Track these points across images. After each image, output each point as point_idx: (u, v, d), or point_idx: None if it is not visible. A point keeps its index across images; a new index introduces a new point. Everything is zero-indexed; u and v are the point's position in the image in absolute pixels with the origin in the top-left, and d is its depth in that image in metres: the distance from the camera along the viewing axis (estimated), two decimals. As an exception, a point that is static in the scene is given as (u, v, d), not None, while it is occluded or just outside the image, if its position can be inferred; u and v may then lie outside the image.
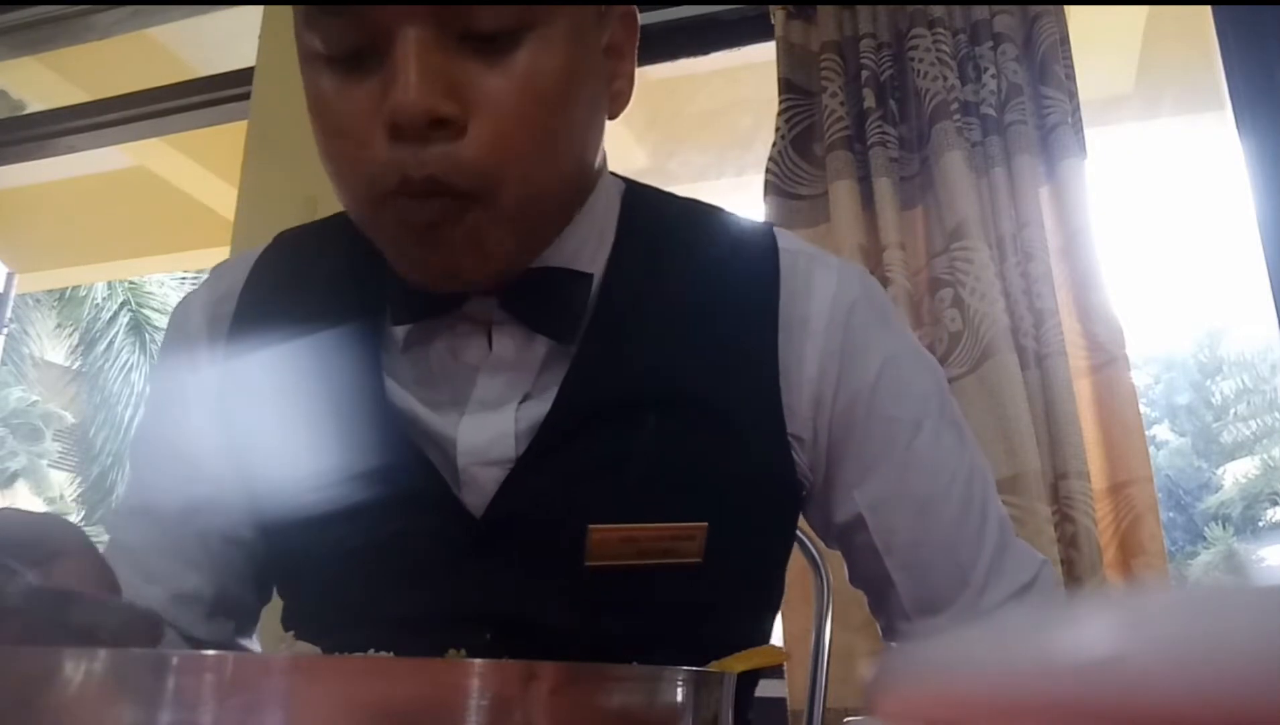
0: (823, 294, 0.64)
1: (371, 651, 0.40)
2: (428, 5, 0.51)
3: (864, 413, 0.63)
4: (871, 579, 0.67)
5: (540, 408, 0.60)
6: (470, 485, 0.60)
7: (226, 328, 0.67)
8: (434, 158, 0.51)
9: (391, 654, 0.37)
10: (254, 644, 0.74)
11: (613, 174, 0.68)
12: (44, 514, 0.49)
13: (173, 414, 0.69)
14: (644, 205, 0.67)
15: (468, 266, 0.55)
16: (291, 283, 0.68)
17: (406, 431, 0.61)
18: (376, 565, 0.62)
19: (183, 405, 0.68)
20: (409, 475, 0.60)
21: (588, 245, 0.63)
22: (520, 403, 0.61)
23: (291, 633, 0.70)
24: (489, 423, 0.60)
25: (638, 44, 0.63)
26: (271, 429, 0.64)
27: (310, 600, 0.68)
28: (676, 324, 0.62)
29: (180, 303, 0.72)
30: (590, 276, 0.61)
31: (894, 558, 0.64)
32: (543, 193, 0.56)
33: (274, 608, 0.76)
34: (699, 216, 0.68)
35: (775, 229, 0.68)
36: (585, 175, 0.61)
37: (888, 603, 0.67)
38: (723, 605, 0.64)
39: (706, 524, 0.59)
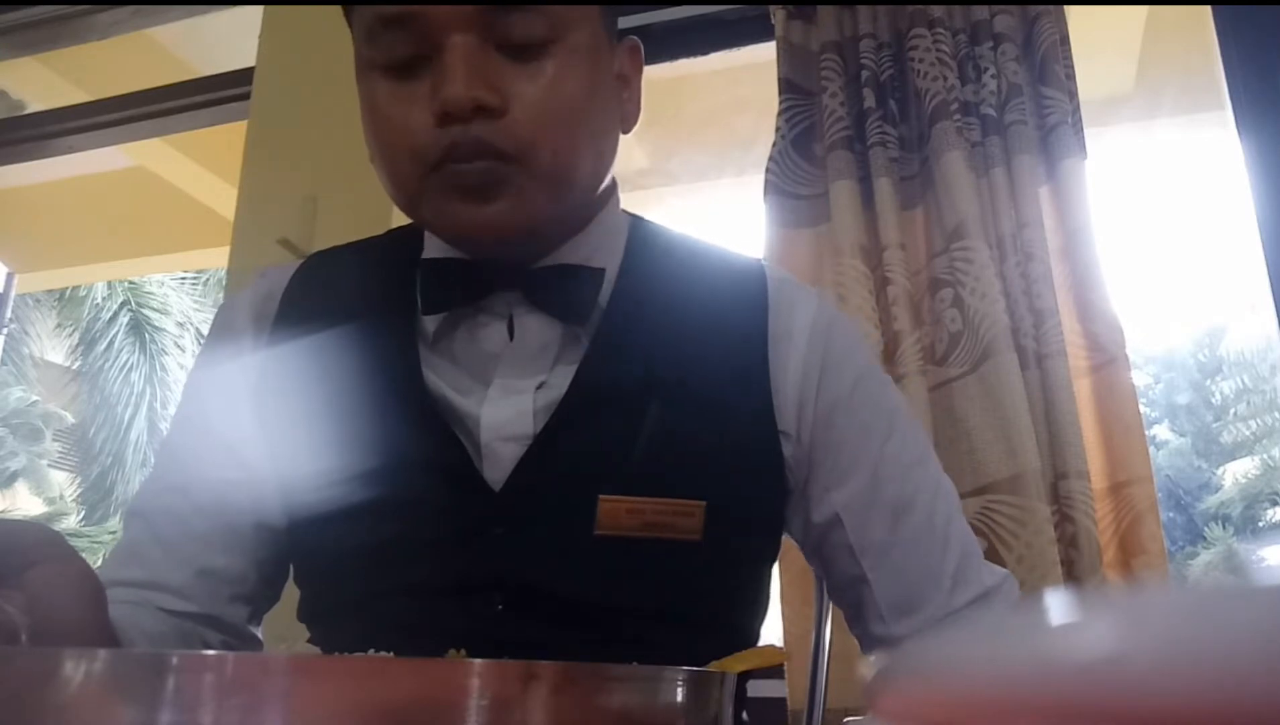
0: (805, 313, 0.72)
1: (371, 651, 0.40)
2: (472, 17, 0.60)
3: (842, 419, 0.70)
4: (848, 582, 0.72)
5: (556, 391, 0.67)
6: (491, 459, 0.66)
7: (270, 326, 0.73)
8: (479, 129, 0.61)
9: (392, 654, 0.37)
10: (260, 634, 0.75)
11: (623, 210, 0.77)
12: (20, 521, 0.49)
13: (215, 401, 0.73)
14: (650, 229, 0.76)
15: (510, 221, 0.63)
16: (331, 286, 0.75)
17: (437, 411, 0.67)
18: (401, 539, 0.66)
19: (225, 394, 0.72)
20: (439, 451, 0.66)
21: (600, 251, 0.71)
22: (538, 387, 0.67)
23: (294, 631, 0.71)
24: (510, 401, 0.66)
25: (642, 74, 0.73)
26: (313, 415, 0.69)
27: (335, 581, 0.70)
28: (679, 324, 0.69)
29: (226, 300, 0.79)
30: (603, 271, 0.69)
31: (869, 558, 0.70)
32: (570, 168, 0.64)
33: (275, 608, 0.76)
34: (698, 242, 0.77)
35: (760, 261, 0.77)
36: (602, 170, 0.69)
37: (863, 607, 0.71)
38: (718, 588, 0.69)
39: (705, 502, 0.65)
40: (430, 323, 0.69)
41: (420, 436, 0.67)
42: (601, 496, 0.63)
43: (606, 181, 0.71)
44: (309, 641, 0.73)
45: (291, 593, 0.74)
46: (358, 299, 0.72)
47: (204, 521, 0.69)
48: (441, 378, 0.68)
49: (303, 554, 0.72)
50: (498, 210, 0.62)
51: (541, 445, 0.65)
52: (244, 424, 0.71)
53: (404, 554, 0.66)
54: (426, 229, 0.70)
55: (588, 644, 0.64)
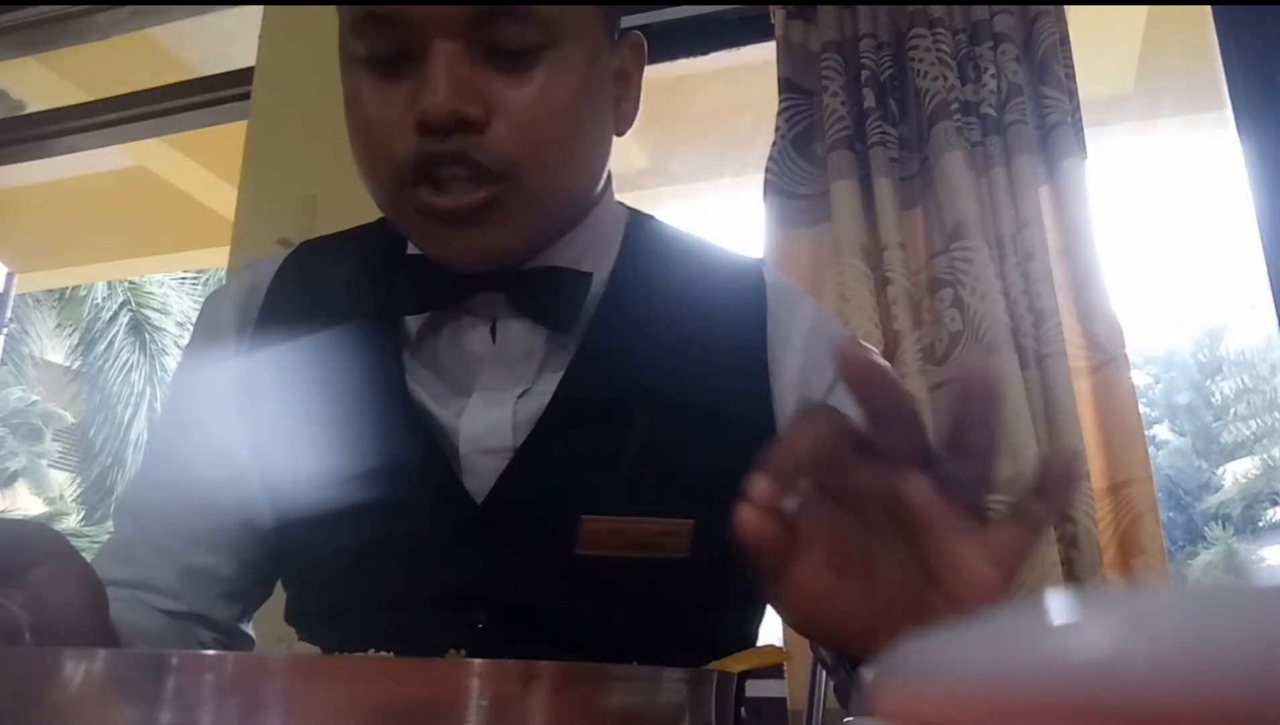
0: (803, 317, 0.71)
1: (371, 651, 0.40)
2: (460, 21, 0.57)
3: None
4: None
5: (539, 401, 0.64)
6: (472, 472, 0.64)
7: (254, 320, 0.71)
8: (458, 143, 0.57)
9: (391, 654, 0.37)
10: (251, 632, 0.74)
11: (619, 203, 0.74)
12: (20, 521, 0.49)
13: (200, 397, 0.71)
14: (647, 227, 0.73)
15: (493, 246, 0.61)
16: (315, 281, 0.72)
17: (418, 419, 0.65)
18: (382, 548, 0.64)
19: (210, 390, 0.71)
20: (418, 460, 0.64)
21: (591, 251, 0.68)
22: (520, 396, 0.65)
23: (294, 631, 0.71)
24: (489, 412, 0.64)
25: (643, 71, 0.70)
26: (294, 418, 0.67)
27: (317, 586, 0.69)
28: (673, 329, 0.67)
29: (212, 294, 0.76)
30: (590, 275, 0.65)
31: None
32: (560, 185, 0.61)
33: (273, 608, 0.76)
34: (696, 242, 0.74)
35: (760, 262, 0.76)
36: (594, 180, 0.66)
37: None
38: (709, 602, 0.67)
39: (692, 521, 0.62)
40: (413, 323, 0.66)
41: (401, 446, 0.64)
42: (584, 516, 0.61)
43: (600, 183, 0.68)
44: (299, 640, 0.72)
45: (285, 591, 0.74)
46: (342, 296, 0.70)
47: (192, 520, 0.68)
48: (422, 384, 0.66)
49: (286, 556, 0.71)
50: (481, 234, 0.60)
51: (522, 460, 0.63)
52: (229, 422, 0.69)
53: (386, 564, 0.64)
54: (405, 237, 0.68)
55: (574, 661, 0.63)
